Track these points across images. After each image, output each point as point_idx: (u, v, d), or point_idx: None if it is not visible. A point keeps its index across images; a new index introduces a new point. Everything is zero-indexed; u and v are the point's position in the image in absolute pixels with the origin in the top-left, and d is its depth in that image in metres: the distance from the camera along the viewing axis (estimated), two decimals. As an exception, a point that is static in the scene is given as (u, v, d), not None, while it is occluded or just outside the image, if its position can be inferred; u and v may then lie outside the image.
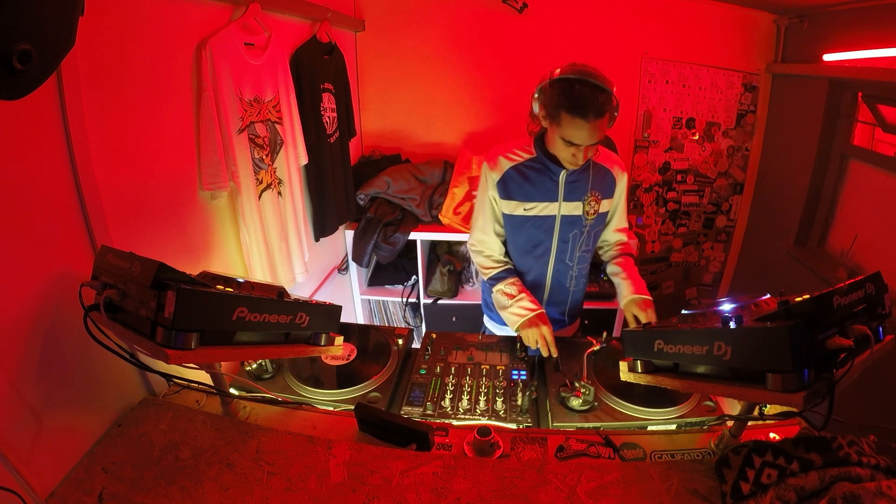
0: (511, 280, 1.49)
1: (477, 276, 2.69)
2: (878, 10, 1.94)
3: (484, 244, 1.55)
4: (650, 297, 1.45)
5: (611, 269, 1.59)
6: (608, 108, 1.23)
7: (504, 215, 1.48)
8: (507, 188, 1.43)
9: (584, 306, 1.75)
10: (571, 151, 1.30)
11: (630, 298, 1.46)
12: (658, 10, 2.55)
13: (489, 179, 1.45)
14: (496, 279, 1.51)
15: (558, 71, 1.26)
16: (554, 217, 1.45)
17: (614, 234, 1.61)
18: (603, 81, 1.21)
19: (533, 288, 1.54)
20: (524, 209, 1.44)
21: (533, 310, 1.43)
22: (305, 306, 1.04)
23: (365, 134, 2.81)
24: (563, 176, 1.40)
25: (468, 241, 1.61)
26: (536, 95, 1.33)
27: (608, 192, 1.48)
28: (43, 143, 0.89)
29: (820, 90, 2.31)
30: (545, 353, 1.36)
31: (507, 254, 1.57)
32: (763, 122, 2.80)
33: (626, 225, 1.62)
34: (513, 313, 1.45)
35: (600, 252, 1.66)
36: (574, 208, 1.44)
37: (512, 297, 1.46)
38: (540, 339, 1.37)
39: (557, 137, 1.30)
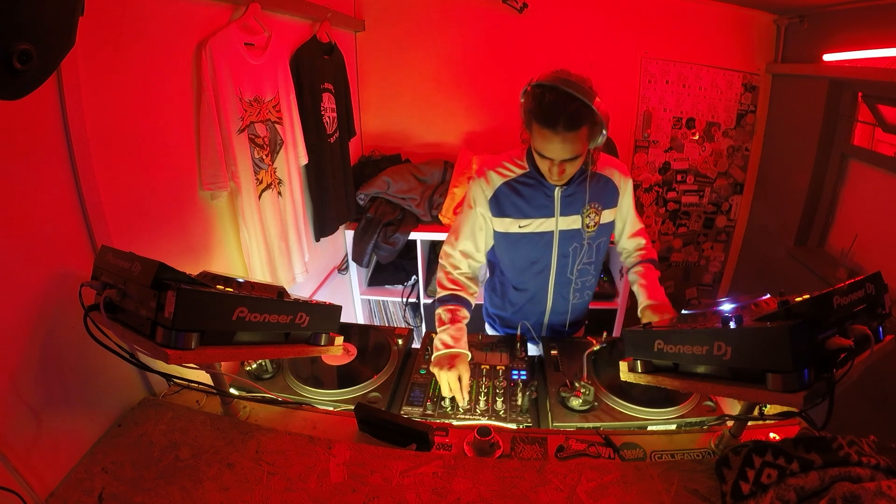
0: (450, 307, 1.37)
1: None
2: (878, 10, 1.94)
3: (451, 257, 1.43)
4: (666, 301, 1.38)
5: (631, 277, 1.52)
6: (584, 120, 1.11)
7: (498, 234, 1.39)
8: (500, 205, 1.34)
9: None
10: (546, 165, 1.22)
11: (645, 304, 1.40)
12: (658, 11, 2.54)
13: (480, 196, 1.36)
14: (441, 301, 1.40)
15: (537, 77, 1.16)
16: (552, 233, 1.37)
17: (632, 241, 1.53)
18: (579, 91, 1.09)
19: (534, 303, 1.50)
20: (519, 226, 1.36)
21: (449, 346, 1.28)
22: (305, 306, 1.04)
23: (365, 134, 2.81)
24: (558, 192, 1.32)
25: (443, 245, 1.47)
26: (521, 101, 1.22)
27: (609, 203, 1.39)
28: (43, 143, 0.89)
29: (820, 90, 2.31)
30: (459, 399, 1.21)
31: (472, 277, 1.44)
32: (763, 122, 2.80)
33: (641, 226, 1.52)
34: (438, 340, 1.33)
35: (622, 260, 1.60)
36: (572, 222, 1.36)
37: (442, 323, 1.35)
38: (453, 384, 1.21)
39: (534, 149, 1.23)
